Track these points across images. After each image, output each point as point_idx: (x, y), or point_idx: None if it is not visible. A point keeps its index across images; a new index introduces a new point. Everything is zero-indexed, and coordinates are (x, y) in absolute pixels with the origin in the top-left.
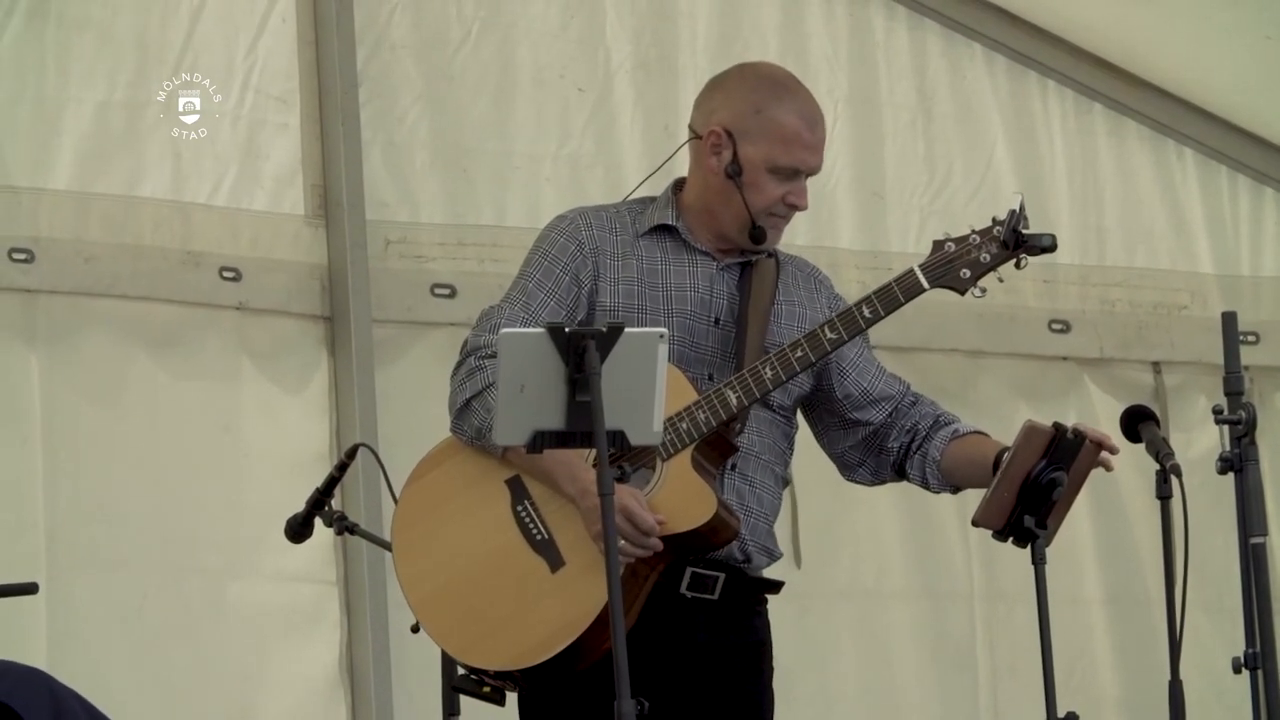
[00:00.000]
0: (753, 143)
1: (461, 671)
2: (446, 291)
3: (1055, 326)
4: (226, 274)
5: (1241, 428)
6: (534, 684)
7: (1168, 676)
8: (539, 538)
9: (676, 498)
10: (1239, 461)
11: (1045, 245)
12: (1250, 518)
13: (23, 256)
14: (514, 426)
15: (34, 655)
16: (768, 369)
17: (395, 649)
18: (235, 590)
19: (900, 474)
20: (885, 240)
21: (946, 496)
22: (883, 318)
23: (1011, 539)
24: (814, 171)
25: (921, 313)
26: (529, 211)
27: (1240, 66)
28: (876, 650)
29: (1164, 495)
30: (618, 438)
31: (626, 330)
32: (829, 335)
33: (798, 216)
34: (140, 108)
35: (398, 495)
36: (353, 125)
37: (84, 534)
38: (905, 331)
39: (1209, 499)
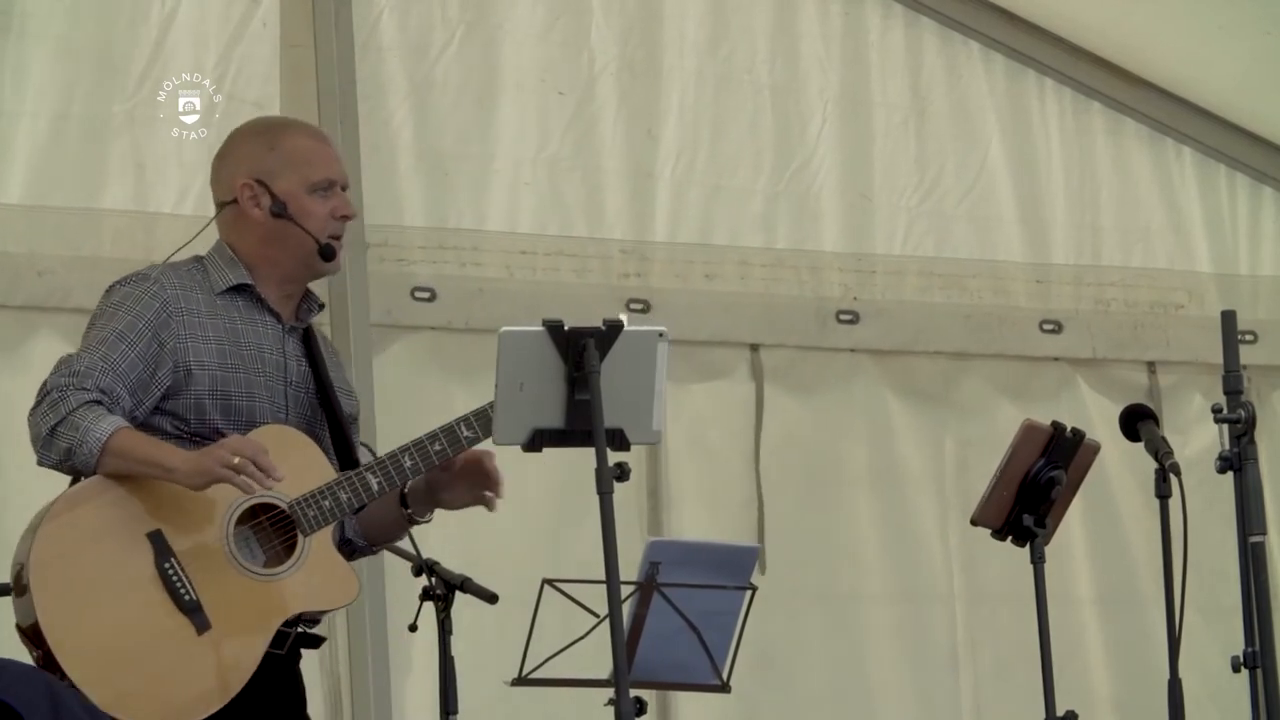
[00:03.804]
0: (282, 176)
1: None
2: (426, 295)
3: (1047, 327)
4: None
5: (1241, 426)
6: None
7: (1161, 676)
8: (187, 599)
9: (322, 576)
10: (1238, 460)
11: None
12: (1249, 516)
13: None
14: (513, 425)
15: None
16: (407, 458)
17: (394, 647)
18: None
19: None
20: (870, 243)
21: (928, 497)
22: None
23: (1010, 538)
24: (346, 182)
25: (907, 314)
26: (508, 215)
27: (1239, 64)
28: (857, 655)
29: (1163, 494)
30: (617, 436)
31: (626, 328)
32: (466, 434)
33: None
34: (102, 119)
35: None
36: (351, 127)
37: None
38: (889, 334)
39: (1204, 499)
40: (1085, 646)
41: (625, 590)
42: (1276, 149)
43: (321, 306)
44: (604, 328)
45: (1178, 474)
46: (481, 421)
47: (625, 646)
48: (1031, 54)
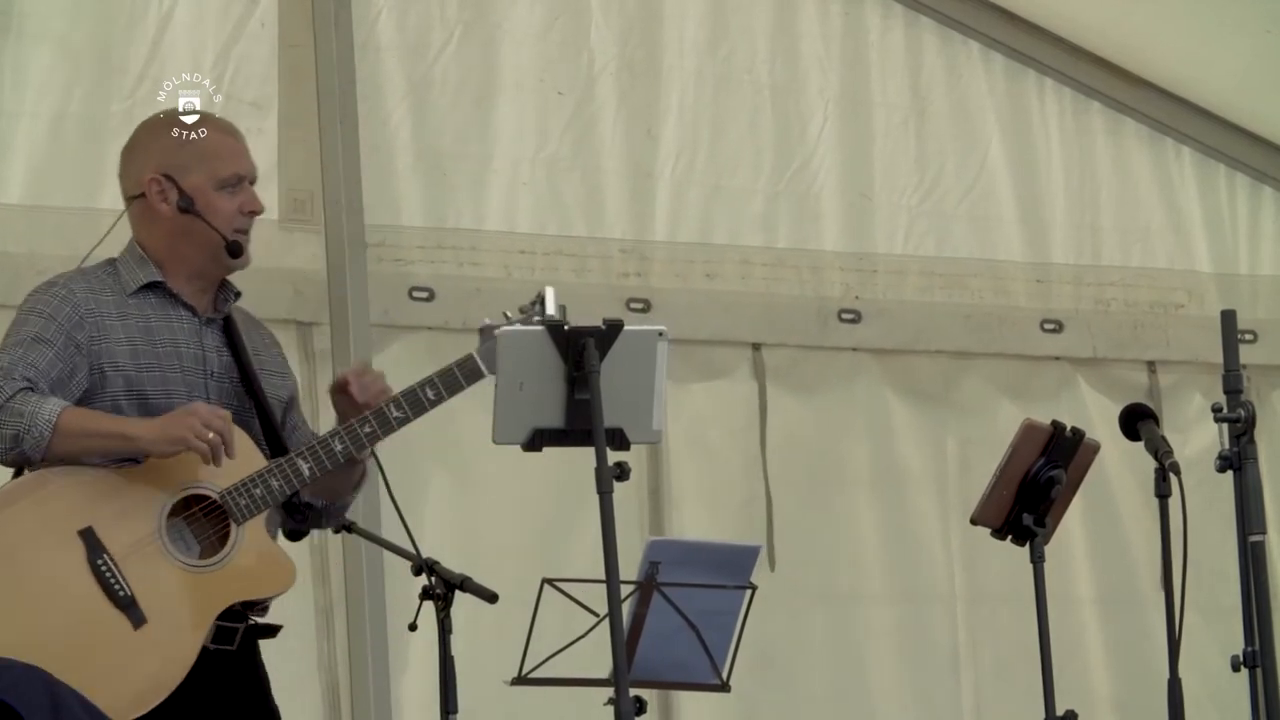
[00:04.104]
0: (191, 171)
1: None
2: (425, 295)
3: (1048, 326)
4: None
5: (1241, 425)
6: None
7: (1160, 675)
8: (121, 594)
9: (257, 564)
10: (1238, 459)
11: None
12: (1249, 516)
13: None
14: (513, 425)
15: None
16: (337, 443)
17: (393, 646)
18: None
19: None
20: (871, 242)
21: (929, 497)
22: (445, 399)
23: (1010, 537)
24: (254, 176)
25: (908, 314)
26: (507, 215)
27: (1239, 64)
28: (857, 654)
29: (1163, 494)
30: (617, 435)
31: (626, 328)
32: (395, 414)
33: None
34: (101, 119)
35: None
36: (350, 126)
37: None
38: (890, 333)
39: (1203, 498)
40: (1085, 646)
41: (625, 590)
42: (1276, 149)
43: (238, 295)
44: (604, 327)
45: (1177, 473)
46: (410, 401)
47: (625, 646)
48: (1031, 54)
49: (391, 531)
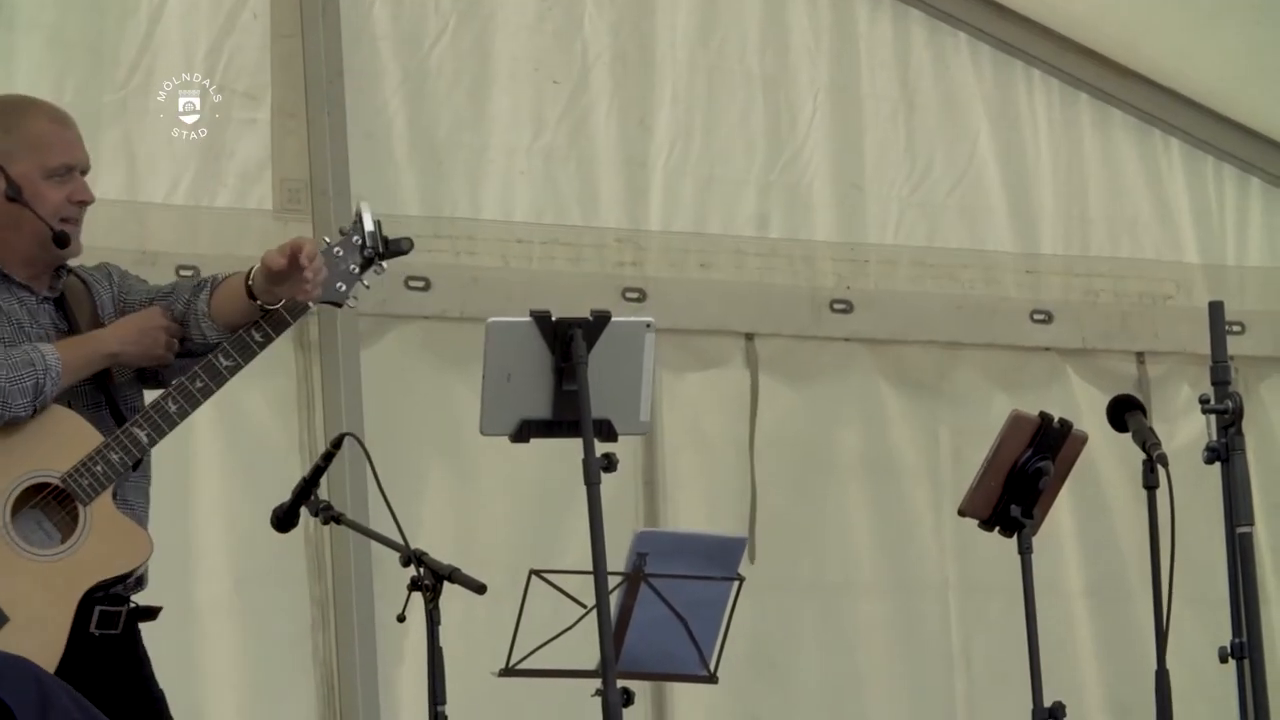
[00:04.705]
0: (18, 159)
1: None
2: (420, 284)
3: (1037, 317)
4: (184, 273)
5: (1228, 417)
6: None
7: (1150, 667)
8: None
9: (111, 541)
10: (1226, 451)
11: (403, 249)
12: (1237, 507)
13: None
14: (500, 416)
15: None
16: (171, 403)
17: (387, 638)
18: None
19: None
20: (863, 233)
21: (922, 487)
22: (274, 339)
23: (998, 528)
24: (86, 166)
25: (899, 304)
26: (503, 204)
27: (1227, 55)
28: (849, 645)
29: (1150, 485)
30: (604, 426)
31: (614, 319)
32: (225, 363)
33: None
34: (93, 110)
35: None
36: (339, 116)
37: None
38: (882, 323)
39: (1191, 490)
40: (1074, 638)
41: (613, 581)
42: (1264, 140)
43: (70, 271)
44: (591, 318)
45: (1165, 465)
46: (238, 347)
47: (613, 637)
48: (1019, 45)
49: (381, 523)
